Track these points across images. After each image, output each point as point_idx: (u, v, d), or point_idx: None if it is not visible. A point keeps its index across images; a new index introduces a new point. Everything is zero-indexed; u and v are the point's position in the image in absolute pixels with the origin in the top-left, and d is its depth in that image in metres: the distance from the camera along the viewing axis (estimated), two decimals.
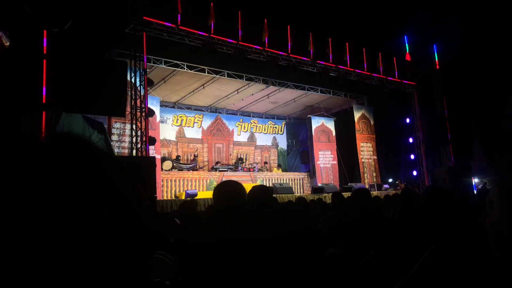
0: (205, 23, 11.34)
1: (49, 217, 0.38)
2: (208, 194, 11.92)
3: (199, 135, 16.53)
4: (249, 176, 15.21)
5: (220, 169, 14.91)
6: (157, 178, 10.58)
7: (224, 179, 13.73)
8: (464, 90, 15.72)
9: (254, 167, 16.13)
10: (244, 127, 17.95)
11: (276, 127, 19.05)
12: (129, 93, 9.96)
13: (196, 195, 11.29)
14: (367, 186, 14.79)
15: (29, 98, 7.39)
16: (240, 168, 15.60)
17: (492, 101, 15.18)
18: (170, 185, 13.24)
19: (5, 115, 6.80)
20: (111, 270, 0.41)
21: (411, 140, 16.64)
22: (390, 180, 17.33)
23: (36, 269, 0.36)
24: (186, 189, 12.89)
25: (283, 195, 11.56)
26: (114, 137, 11.21)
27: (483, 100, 15.00)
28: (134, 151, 9.92)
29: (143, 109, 9.97)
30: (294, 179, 16.68)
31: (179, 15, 10.76)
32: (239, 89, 14.88)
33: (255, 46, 12.28)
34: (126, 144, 11.24)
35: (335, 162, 17.10)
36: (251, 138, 18.18)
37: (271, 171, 17.02)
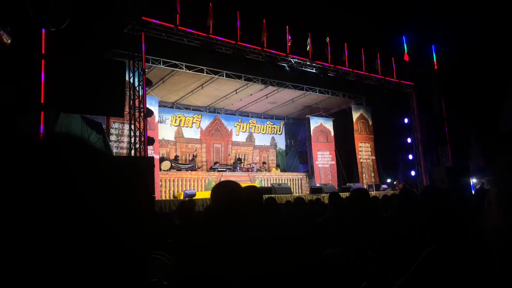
0: (204, 23, 11.34)
1: (48, 217, 0.38)
2: (207, 194, 11.92)
3: (197, 135, 16.52)
4: (247, 176, 15.21)
5: (219, 169, 14.90)
6: (156, 178, 10.58)
7: (222, 179, 13.73)
8: (462, 90, 15.74)
9: (253, 167, 16.13)
10: (243, 127, 17.95)
11: (274, 127, 19.05)
12: (128, 93, 9.94)
13: (194, 195, 11.28)
14: (365, 186, 14.79)
15: (28, 98, 7.37)
16: (238, 168, 15.60)
17: (490, 101, 15.20)
18: (169, 185, 13.23)
19: (4, 115, 6.79)
20: (110, 270, 0.41)
21: (409, 140, 16.66)
22: (389, 180, 17.35)
23: (35, 269, 0.36)
24: (184, 189, 12.89)
25: (281, 195, 11.56)
26: (113, 137, 11.20)
27: (481, 101, 15.02)
28: (132, 151, 9.91)
29: (142, 109, 9.96)
30: (293, 179, 16.70)
31: (177, 15, 10.75)
32: (237, 89, 14.88)
33: (254, 46, 12.28)
34: (125, 144, 11.23)
35: (334, 162, 17.12)
36: (250, 138, 18.18)
37: (269, 171, 17.02)
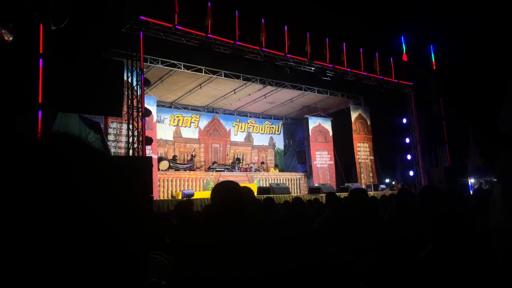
0: (202, 23, 11.34)
1: (46, 217, 0.37)
2: (205, 194, 11.92)
3: (196, 135, 16.51)
4: (246, 176, 15.22)
5: (217, 169, 14.90)
6: (154, 178, 10.57)
7: (221, 179, 13.73)
8: (461, 90, 15.78)
9: (251, 167, 16.13)
10: (241, 127, 17.95)
11: (273, 127, 19.05)
12: (126, 93, 9.94)
13: (192, 195, 11.28)
14: (363, 186, 14.82)
15: (26, 97, 7.36)
16: (237, 168, 15.60)
17: (488, 101, 15.24)
18: (167, 185, 13.23)
19: (2, 114, 6.78)
20: (108, 269, 0.40)
21: (407, 140, 16.69)
22: (387, 180, 17.38)
23: (34, 269, 0.36)
24: (182, 189, 12.88)
25: (280, 195, 11.57)
26: (111, 137, 11.18)
27: (479, 101, 15.06)
28: (130, 151, 9.90)
29: (140, 109, 9.95)
30: (291, 179, 16.71)
31: (176, 14, 10.75)
32: (236, 89, 14.88)
33: (252, 46, 12.29)
34: (123, 144, 11.22)
35: (332, 162, 17.13)
36: (248, 138, 18.18)
37: (268, 171, 17.03)
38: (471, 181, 14.42)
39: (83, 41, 8.83)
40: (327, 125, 17.47)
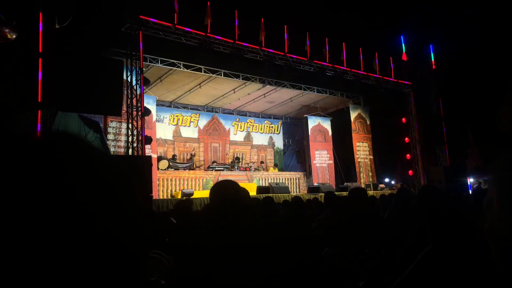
0: (202, 22, 11.33)
1: (44, 217, 0.37)
2: (205, 194, 11.92)
3: (195, 135, 16.51)
4: (245, 176, 15.22)
5: (217, 168, 14.90)
6: (153, 177, 10.57)
7: (220, 178, 13.73)
8: (460, 90, 15.79)
9: (251, 167, 16.13)
10: (241, 126, 17.94)
11: (272, 127, 19.05)
12: (125, 92, 9.93)
13: (192, 194, 11.27)
14: (363, 186, 14.83)
15: (25, 96, 7.35)
16: (236, 167, 15.60)
17: (487, 101, 15.25)
18: (166, 184, 13.22)
19: (1, 113, 6.77)
20: (108, 269, 0.40)
21: (407, 140, 16.69)
22: (386, 180, 17.39)
23: (32, 269, 0.36)
24: (182, 188, 12.87)
25: (279, 194, 11.57)
26: (110, 136, 11.18)
27: (479, 101, 15.07)
28: (130, 150, 9.90)
29: (139, 108, 9.95)
30: (291, 178, 16.71)
31: (175, 14, 10.75)
32: (235, 88, 14.87)
33: (252, 46, 12.28)
34: (122, 143, 11.21)
35: (331, 161, 17.13)
36: (248, 137, 18.17)
37: (267, 170, 17.03)
38: (470, 180, 14.43)
39: (82, 40, 8.82)
40: (327, 124, 17.47)
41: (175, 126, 15.95)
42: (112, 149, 10.97)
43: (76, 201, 0.40)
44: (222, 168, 15.04)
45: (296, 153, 19.40)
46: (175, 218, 4.88)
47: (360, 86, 15.60)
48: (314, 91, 15.75)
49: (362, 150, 16.80)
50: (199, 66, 12.69)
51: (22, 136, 0.42)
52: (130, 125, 9.93)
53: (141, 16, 10.03)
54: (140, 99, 9.97)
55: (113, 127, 11.28)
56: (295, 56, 13.20)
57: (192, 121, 16.45)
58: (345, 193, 11.00)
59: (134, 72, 10.00)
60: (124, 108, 9.92)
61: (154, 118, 12.36)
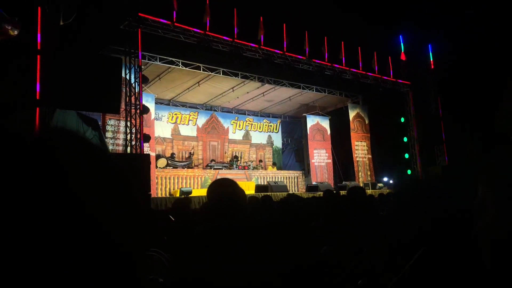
0: (201, 20, 11.32)
1: (42, 214, 0.37)
2: (203, 192, 11.90)
3: (194, 133, 16.50)
4: (244, 174, 15.22)
5: (215, 167, 14.90)
6: (152, 175, 10.55)
7: (218, 177, 13.72)
8: (459, 90, 15.80)
9: (249, 165, 16.14)
10: (239, 125, 17.94)
11: (271, 126, 19.06)
12: (124, 90, 9.91)
13: (190, 192, 11.27)
14: (361, 185, 14.84)
15: (24, 94, 7.33)
16: (235, 166, 15.60)
17: (486, 101, 15.27)
18: (165, 182, 13.21)
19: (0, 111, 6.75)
20: (105, 267, 0.40)
21: (405, 139, 16.71)
22: (385, 179, 17.41)
23: (28, 267, 0.36)
24: (180, 186, 12.87)
25: (277, 193, 11.57)
26: (109, 134, 11.16)
27: (477, 100, 15.09)
28: (128, 148, 9.88)
29: (138, 106, 9.93)
30: (289, 177, 16.72)
31: (174, 12, 10.72)
32: (234, 87, 14.86)
33: (251, 44, 12.27)
34: (121, 141, 11.19)
35: (330, 160, 17.15)
36: (246, 136, 18.18)
37: (266, 169, 17.04)
38: None
39: (81, 37, 8.80)
40: (325, 123, 17.48)
41: (174, 125, 15.94)
42: (110, 147, 10.95)
43: (74, 199, 0.39)
44: (220, 167, 15.04)
45: (294, 152, 19.41)
46: (173, 217, 4.88)
47: (358, 85, 15.61)
48: (313, 90, 15.76)
49: (360, 149, 16.82)
50: (198, 64, 12.67)
51: (21, 133, 0.42)
52: (128, 123, 9.92)
53: (140, 13, 10.01)
54: (139, 97, 9.96)
55: (111, 125, 11.26)
56: (294, 55, 13.20)
57: (191, 120, 16.43)
58: (344, 192, 11.01)
59: (132, 70, 9.98)
60: (123, 106, 9.90)
61: (153, 116, 12.34)
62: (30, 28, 7.24)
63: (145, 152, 10.18)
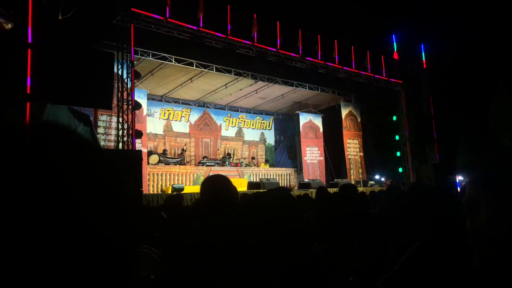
0: (194, 16, 11.25)
1: (34, 209, 0.37)
2: (195, 189, 11.89)
3: (186, 129, 16.45)
4: (236, 171, 15.22)
5: (208, 163, 14.87)
6: (144, 172, 10.51)
7: (211, 174, 13.70)
8: (451, 89, 15.93)
9: (242, 162, 16.15)
10: (232, 122, 17.93)
11: (264, 123, 19.07)
12: (116, 86, 9.83)
13: (182, 189, 11.24)
14: (353, 182, 14.92)
15: (14, 88, 7.25)
16: (227, 163, 15.60)
17: (478, 100, 15.41)
18: (157, 179, 13.17)
19: None
20: (97, 263, 0.40)
21: (397, 137, 16.82)
22: (376, 177, 17.52)
23: (22, 265, 0.35)
24: (172, 183, 12.83)
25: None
26: (100, 130, 11.08)
27: (469, 100, 15.22)
28: (120, 144, 9.82)
29: (130, 102, 9.87)
30: (281, 174, 16.76)
31: (167, 7, 10.65)
32: (227, 83, 14.83)
33: (244, 41, 12.23)
34: (112, 137, 11.12)
35: (322, 158, 17.22)
36: (239, 133, 18.17)
37: (258, 166, 17.06)
38: (459, 178, 14.58)
39: (73, 32, 8.71)
40: (318, 121, 17.54)
41: (166, 121, 15.87)
42: (102, 143, 10.87)
43: (66, 193, 0.39)
44: (213, 164, 15.02)
45: (287, 149, 19.45)
46: (165, 213, 4.86)
47: (351, 84, 15.66)
48: (306, 88, 15.79)
49: (352, 147, 16.90)
50: (191, 60, 12.62)
51: (13, 127, 0.41)
52: (120, 119, 9.85)
53: (132, 8, 9.93)
54: (131, 93, 9.89)
55: (103, 121, 11.18)
56: (287, 53, 13.19)
57: (183, 116, 16.38)
58: (335, 189, 11.06)
59: (125, 65, 9.91)
60: (115, 101, 9.83)
61: (145, 112, 12.27)
62: (23, 22, 7.15)
63: (137, 148, 10.13)
